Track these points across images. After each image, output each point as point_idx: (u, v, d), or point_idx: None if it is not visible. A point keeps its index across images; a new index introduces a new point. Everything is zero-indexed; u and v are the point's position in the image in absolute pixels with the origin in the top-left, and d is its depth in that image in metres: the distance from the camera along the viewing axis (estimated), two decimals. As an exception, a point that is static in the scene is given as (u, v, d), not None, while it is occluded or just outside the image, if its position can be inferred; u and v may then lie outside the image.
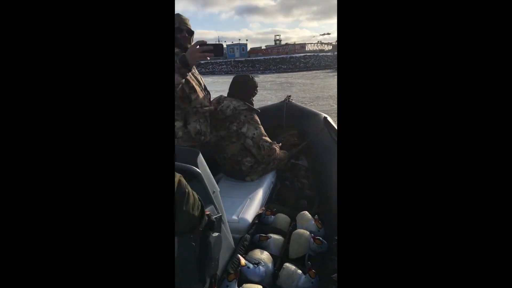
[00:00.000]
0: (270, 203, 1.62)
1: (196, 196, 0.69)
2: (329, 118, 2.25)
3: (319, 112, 2.42)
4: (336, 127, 2.08)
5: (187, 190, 0.65)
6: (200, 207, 0.69)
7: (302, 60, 30.73)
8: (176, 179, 0.63)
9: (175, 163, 0.67)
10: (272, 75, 23.23)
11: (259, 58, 33.31)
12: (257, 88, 1.80)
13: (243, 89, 1.75)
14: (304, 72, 24.44)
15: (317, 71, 24.95)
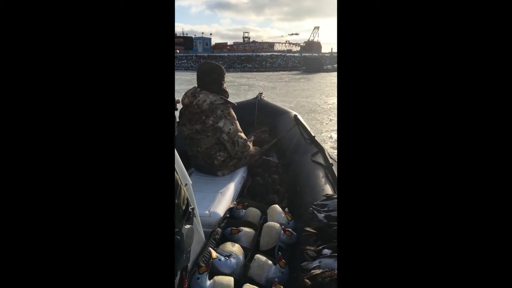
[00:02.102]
0: (241, 197, 1.64)
1: (185, 191, 0.70)
2: (299, 116, 2.31)
3: (290, 110, 2.48)
4: (305, 125, 2.15)
5: (179, 184, 0.66)
6: (186, 201, 0.70)
7: (269, 59, 30.39)
8: None
9: None
10: (235, 74, 22.17)
11: (223, 54, 32.51)
12: (225, 74, 1.72)
13: (212, 78, 1.65)
14: (270, 73, 24.14)
15: (284, 72, 24.69)
